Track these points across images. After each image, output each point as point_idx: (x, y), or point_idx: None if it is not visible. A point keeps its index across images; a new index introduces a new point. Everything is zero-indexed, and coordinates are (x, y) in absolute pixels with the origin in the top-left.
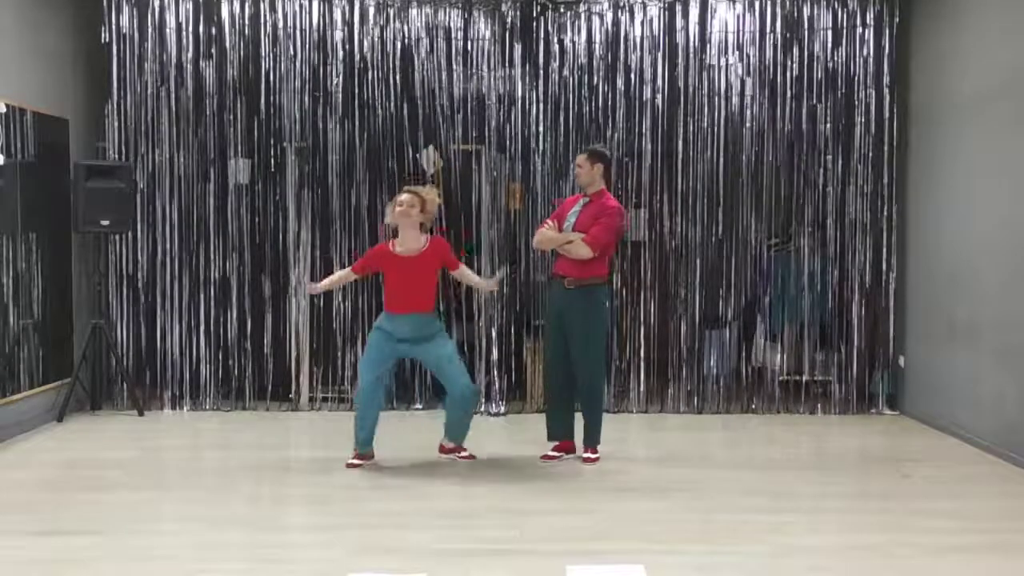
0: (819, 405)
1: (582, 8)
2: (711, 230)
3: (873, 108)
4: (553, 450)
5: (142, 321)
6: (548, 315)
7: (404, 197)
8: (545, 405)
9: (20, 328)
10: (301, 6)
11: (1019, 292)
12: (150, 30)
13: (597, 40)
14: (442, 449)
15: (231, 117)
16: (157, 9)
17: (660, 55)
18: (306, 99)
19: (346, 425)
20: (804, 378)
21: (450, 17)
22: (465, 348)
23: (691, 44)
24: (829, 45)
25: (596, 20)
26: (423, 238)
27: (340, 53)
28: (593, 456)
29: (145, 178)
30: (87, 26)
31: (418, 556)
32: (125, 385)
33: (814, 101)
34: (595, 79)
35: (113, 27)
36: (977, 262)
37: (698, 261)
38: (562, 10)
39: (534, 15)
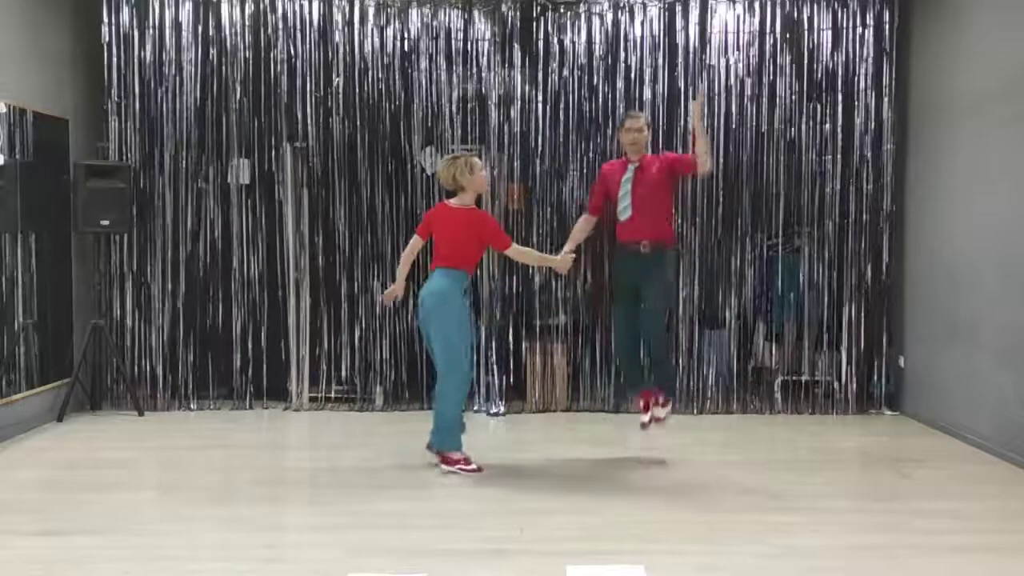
0: (819, 405)
1: (582, 8)
2: (711, 230)
3: (873, 108)
4: (644, 411)
5: (142, 321)
6: (620, 280)
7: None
8: (619, 363)
9: (20, 328)
10: (301, 6)
11: (1019, 292)
12: (150, 30)
13: (597, 40)
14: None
15: (231, 117)
16: (157, 9)
17: (660, 55)
18: (306, 99)
19: (345, 425)
20: (804, 378)
21: (450, 17)
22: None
23: (691, 44)
24: (829, 45)
25: (596, 20)
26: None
27: (340, 53)
28: (662, 415)
29: (145, 178)
30: (87, 26)
31: (418, 556)
32: (125, 385)
33: (814, 101)
34: (595, 79)
35: (113, 27)
36: (977, 262)
37: (698, 261)
38: (562, 10)
39: (534, 15)
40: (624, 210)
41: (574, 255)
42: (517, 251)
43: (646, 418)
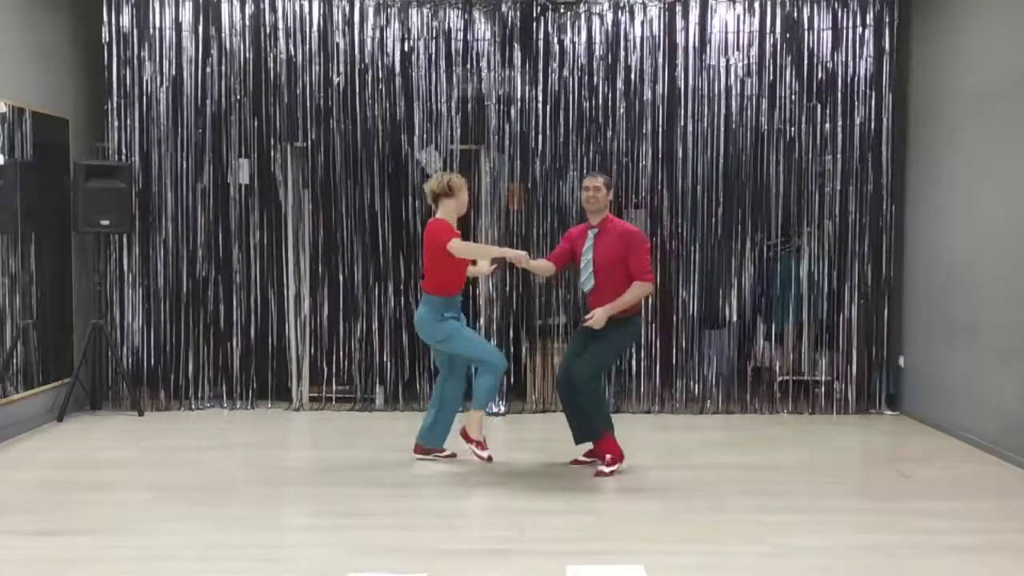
0: (819, 405)
1: (582, 8)
2: (711, 230)
3: (873, 108)
4: (584, 455)
5: (142, 321)
6: (576, 336)
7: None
8: (565, 412)
9: (20, 328)
10: (301, 6)
11: (1019, 292)
12: (150, 30)
13: (597, 40)
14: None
15: (231, 117)
16: (157, 9)
17: (660, 55)
18: (306, 99)
19: (345, 425)
20: (804, 378)
21: (450, 17)
22: None
23: (691, 44)
24: (829, 45)
25: (596, 20)
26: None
27: (340, 54)
28: (608, 470)
29: (145, 178)
30: (87, 26)
31: (418, 556)
32: (125, 385)
33: (814, 101)
34: (595, 79)
35: (113, 27)
36: (977, 262)
37: (698, 261)
38: (562, 10)
39: (534, 15)
40: (587, 280)
41: (527, 259)
42: (458, 246)
43: (606, 469)
